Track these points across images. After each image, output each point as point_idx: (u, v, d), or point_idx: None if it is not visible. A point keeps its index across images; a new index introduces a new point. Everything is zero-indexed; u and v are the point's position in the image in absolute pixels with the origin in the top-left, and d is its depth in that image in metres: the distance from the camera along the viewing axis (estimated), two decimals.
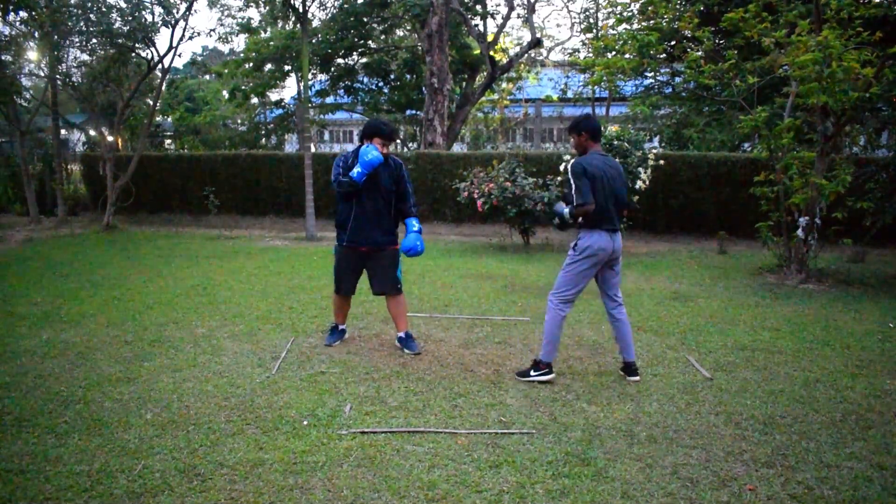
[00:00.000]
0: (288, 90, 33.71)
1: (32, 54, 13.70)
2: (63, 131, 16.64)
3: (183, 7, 11.54)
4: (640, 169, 8.85)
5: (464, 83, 18.04)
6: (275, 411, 3.46)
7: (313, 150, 14.85)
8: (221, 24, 25.25)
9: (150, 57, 11.90)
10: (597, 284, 4.08)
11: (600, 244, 3.79)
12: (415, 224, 4.46)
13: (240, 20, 18.32)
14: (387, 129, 4.34)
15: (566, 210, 3.82)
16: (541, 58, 21.39)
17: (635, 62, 8.11)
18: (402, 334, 4.56)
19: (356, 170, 4.23)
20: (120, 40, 11.06)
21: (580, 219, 3.80)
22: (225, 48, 34.35)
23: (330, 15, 18.05)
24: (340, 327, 4.76)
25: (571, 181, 3.77)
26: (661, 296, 6.36)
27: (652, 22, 8.66)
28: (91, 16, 10.70)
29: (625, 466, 2.90)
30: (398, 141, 20.51)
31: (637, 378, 3.95)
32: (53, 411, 3.45)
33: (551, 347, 3.93)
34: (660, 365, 4.28)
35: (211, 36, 42.19)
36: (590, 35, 17.53)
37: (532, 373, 3.93)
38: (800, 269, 7.15)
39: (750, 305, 6.00)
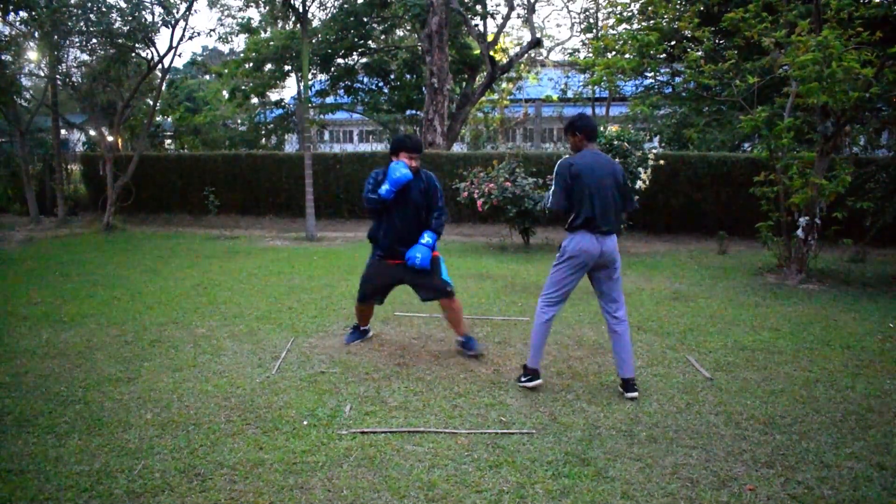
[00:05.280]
0: (288, 90, 33.73)
1: (32, 54, 13.69)
2: (63, 131, 16.63)
3: (183, 7, 11.55)
4: (640, 169, 8.85)
5: (464, 83, 18.03)
6: (275, 411, 3.46)
7: (313, 150, 14.85)
8: (221, 24, 25.21)
9: (150, 57, 11.91)
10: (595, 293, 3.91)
11: (581, 246, 3.62)
12: (426, 237, 4.28)
13: (240, 20, 18.34)
14: (411, 142, 4.29)
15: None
16: (541, 58, 21.40)
17: (635, 62, 8.11)
18: (461, 338, 4.46)
19: (384, 187, 4.16)
20: (120, 40, 11.05)
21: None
22: (225, 48, 34.43)
23: (330, 15, 18.06)
24: (363, 328, 4.76)
25: (552, 180, 3.77)
26: (661, 296, 6.36)
27: (652, 22, 8.66)
28: (91, 16, 10.70)
29: (625, 466, 2.90)
30: None
31: (635, 394, 3.67)
32: (53, 411, 3.45)
33: (534, 352, 3.79)
34: (660, 365, 4.28)
35: (211, 36, 42.24)
36: (590, 35, 17.55)
37: (522, 378, 3.84)
38: (800, 269, 7.15)
39: (750, 305, 6.00)
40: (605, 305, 3.81)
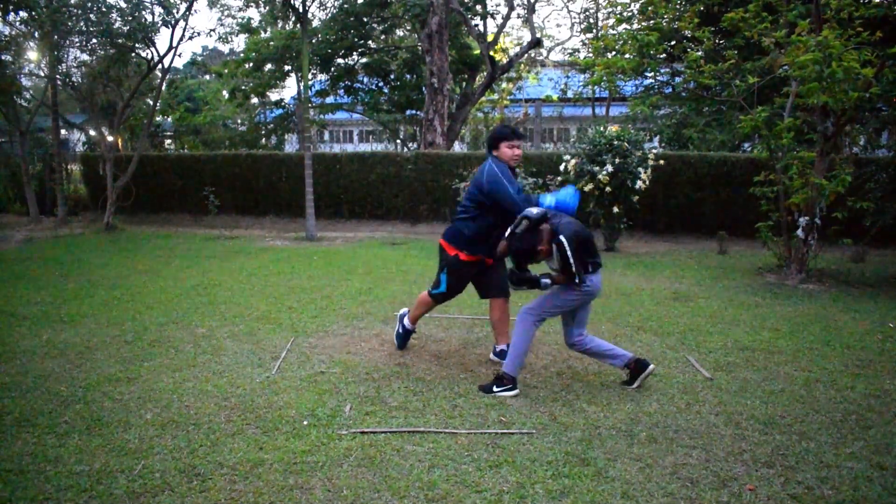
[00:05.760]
0: (288, 90, 33.70)
1: (32, 54, 13.69)
2: (63, 131, 16.63)
3: (183, 7, 11.54)
4: (640, 169, 8.85)
5: (464, 83, 18.04)
6: (275, 411, 3.46)
7: (313, 150, 14.85)
8: (221, 24, 25.17)
9: (150, 57, 11.90)
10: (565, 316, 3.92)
11: (598, 285, 3.75)
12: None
13: (240, 20, 18.34)
14: (509, 130, 4.05)
15: (545, 280, 3.62)
16: (541, 58, 21.40)
17: (635, 62, 8.10)
18: (503, 347, 4.26)
19: (549, 199, 3.75)
20: (120, 40, 11.04)
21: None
22: (225, 48, 34.40)
23: (330, 15, 18.05)
24: (413, 329, 4.53)
25: (570, 258, 3.52)
26: (661, 296, 6.36)
27: (652, 22, 8.66)
28: (91, 16, 10.69)
29: (625, 466, 2.90)
30: (398, 141, 20.52)
31: (651, 367, 3.85)
32: (53, 411, 3.45)
33: (520, 361, 3.76)
34: (660, 365, 4.28)
35: (211, 36, 42.22)
36: (590, 35, 17.56)
37: (496, 388, 3.72)
38: (800, 269, 7.15)
39: (750, 305, 6.00)
40: (576, 329, 3.86)
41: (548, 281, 3.64)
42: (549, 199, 3.80)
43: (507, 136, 3.99)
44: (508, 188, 3.88)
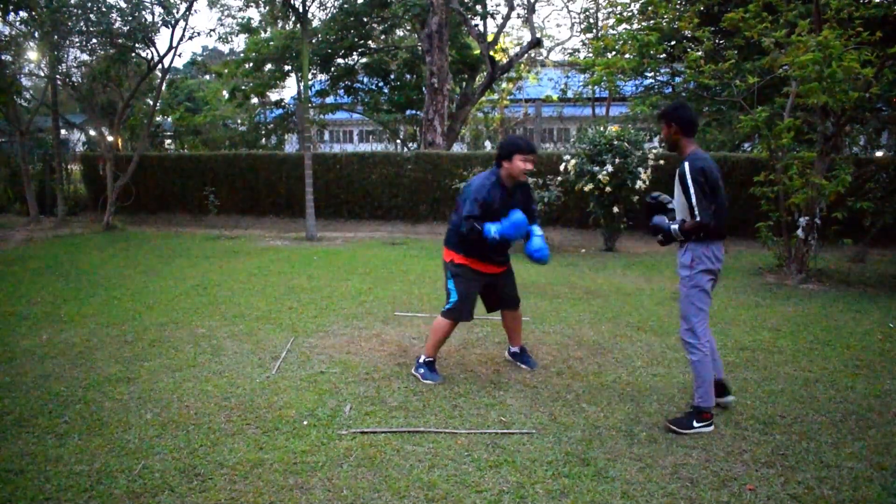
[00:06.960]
0: (288, 90, 33.69)
1: (32, 54, 13.70)
2: (63, 131, 16.63)
3: (183, 7, 11.54)
4: (640, 169, 8.85)
5: (464, 83, 18.04)
6: (275, 411, 3.46)
7: (313, 150, 14.84)
8: (221, 24, 25.21)
9: (150, 57, 11.91)
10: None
11: (718, 255, 3.29)
12: (538, 229, 4.05)
13: (240, 20, 18.36)
14: (525, 143, 3.87)
15: (673, 226, 3.28)
16: (541, 58, 21.40)
17: (635, 62, 8.10)
18: (516, 349, 4.29)
19: (494, 227, 3.71)
20: (120, 40, 11.05)
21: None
22: (225, 48, 34.42)
23: (330, 15, 18.07)
24: (431, 358, 4.10)
25: (691, 188, 3.15)
26: (661, 296, 6.36)
27: (652, 22, 8.65)
28: (91, 16, 10.69)
29: (625, 466, 2.90)
30: (398, 141, 20.52)
31: (731, 398, 3.55)
32: (53, 411, 3.45)
33: (710, 389, 3.30)
34: (660, 365, 4.28)
35: (211, 36, 42.28)
36: (590, 35, 17.55)
37: (696, 423, 3.25)
38: (800, 269, 7.15)
39: (750, 305, 6.00)
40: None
41: (676, 227, 3.26)
42: (494, 228, 3.74)
43: (523, 149, 3.84)
44: (468, 203, 3.83)
